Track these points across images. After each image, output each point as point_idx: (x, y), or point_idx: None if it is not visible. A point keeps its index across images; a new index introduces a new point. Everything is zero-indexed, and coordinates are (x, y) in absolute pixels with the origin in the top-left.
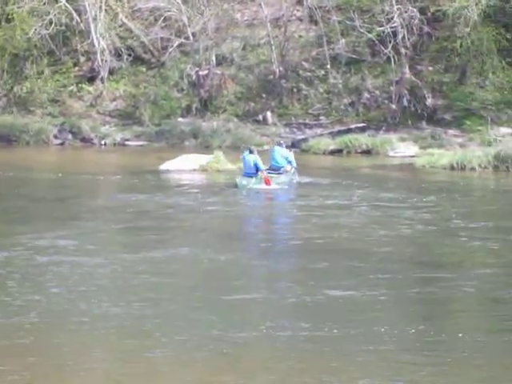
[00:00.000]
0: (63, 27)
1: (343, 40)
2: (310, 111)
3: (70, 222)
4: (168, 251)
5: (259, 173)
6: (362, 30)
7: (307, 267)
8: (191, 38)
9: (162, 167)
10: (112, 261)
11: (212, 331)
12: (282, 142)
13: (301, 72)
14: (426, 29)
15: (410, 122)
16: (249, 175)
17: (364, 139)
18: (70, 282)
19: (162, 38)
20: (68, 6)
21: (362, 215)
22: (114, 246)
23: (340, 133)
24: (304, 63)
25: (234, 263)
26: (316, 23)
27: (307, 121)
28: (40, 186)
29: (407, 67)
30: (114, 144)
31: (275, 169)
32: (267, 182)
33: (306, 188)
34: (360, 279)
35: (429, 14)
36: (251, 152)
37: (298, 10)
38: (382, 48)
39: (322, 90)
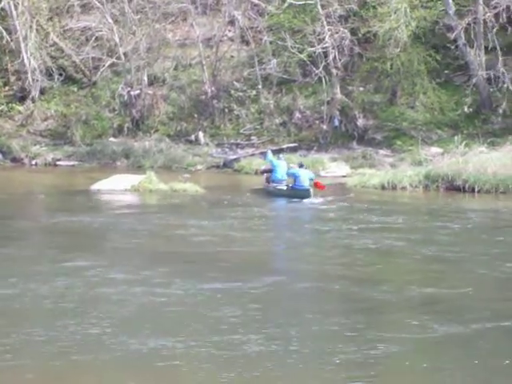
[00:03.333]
0: None
1: (275, 60)
2: (241, 131)
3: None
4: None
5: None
6: (293, 51)
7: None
8: (123, 57)
9: (94, 187)
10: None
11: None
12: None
13: (232, 92)
14: (356, 49)
15: (341, 142)
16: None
17: (296, 159)
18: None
19: (93, 58)
20: None
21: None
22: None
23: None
24: (236, 83)
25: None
26: (247, 43)
27: (239, 141)
28: None
29: (338, 87)
30: (45, 164)
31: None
32: (322, 187)
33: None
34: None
35: (360, 35)
36: (301, 166)
37: (229, 31)
38: (314, 68)
39: (253, 110)
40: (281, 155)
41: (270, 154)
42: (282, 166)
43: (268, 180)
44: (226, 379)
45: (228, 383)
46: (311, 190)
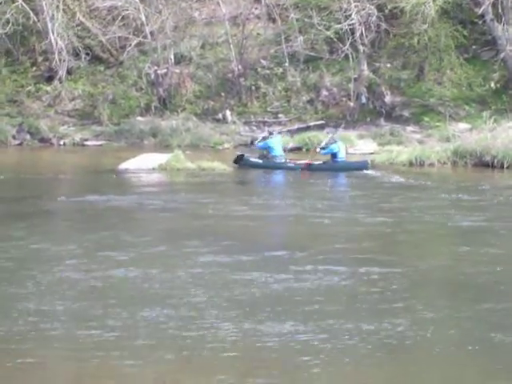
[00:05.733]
0: (20, 27)
1: (301, 38)
2: (268, 109)
3: (34, 222)
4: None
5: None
6: (320, 28)
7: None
8: (149, 36)
9: (121, 166)
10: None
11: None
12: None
13: (259, 70)
14: (383, 26)
15: (368, 118)
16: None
17: (323, 136)
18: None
19: (120, 37)
20: (25, 5)
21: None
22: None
23: (299, 130)
24: (262, 61)
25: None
26: (274, 21)
27: (266, 119)
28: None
29: (365, 64)
30: (73, 144)
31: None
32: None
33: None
34: None
35: (386, 11)
36: (335, 142)
37: (256, 8)
38: (340, 45)
39: (280, 88)
40: (273, 131)
41: (259, 141)
42: (278, 142)
43: (266, 156)
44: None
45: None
46: (369, 161)
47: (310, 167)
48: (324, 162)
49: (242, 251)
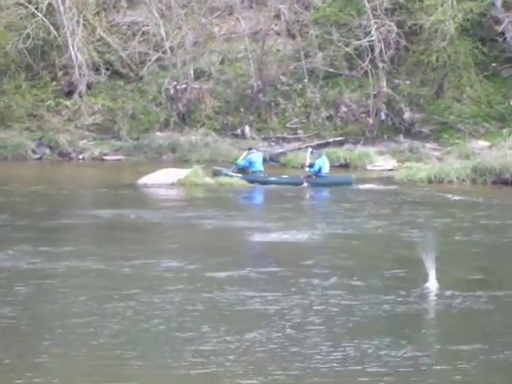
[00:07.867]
0: (41, 41)
1: (321, 54)
2: (287, 125)
3: (57, 238)
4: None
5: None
6: (339, 44)
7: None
8: (169, 52)
9: (140, 181)
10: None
11: None
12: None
13: (279, 86)
14: (403, 42)
15: (387, 135)
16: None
17: (342, 153)
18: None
19: (139, 53)
20: (45, 20)
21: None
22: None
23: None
24: (282, 77)
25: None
26: (294, 37)
27: (285, 135)
28: (20, 201)
29: (384, 81)
30: (92, 158)
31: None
32: None
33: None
34: None
35: (406, 28)
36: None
37: (275, 25)
38: (360, 62)
39: (299, 104)
40: (253, 149)
41: (240, 161)
42: (259, 158)
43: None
44: None
45: None
46: (353, 176)
47: (290, 183)
48: (307, 177)
49: (343, 273)
